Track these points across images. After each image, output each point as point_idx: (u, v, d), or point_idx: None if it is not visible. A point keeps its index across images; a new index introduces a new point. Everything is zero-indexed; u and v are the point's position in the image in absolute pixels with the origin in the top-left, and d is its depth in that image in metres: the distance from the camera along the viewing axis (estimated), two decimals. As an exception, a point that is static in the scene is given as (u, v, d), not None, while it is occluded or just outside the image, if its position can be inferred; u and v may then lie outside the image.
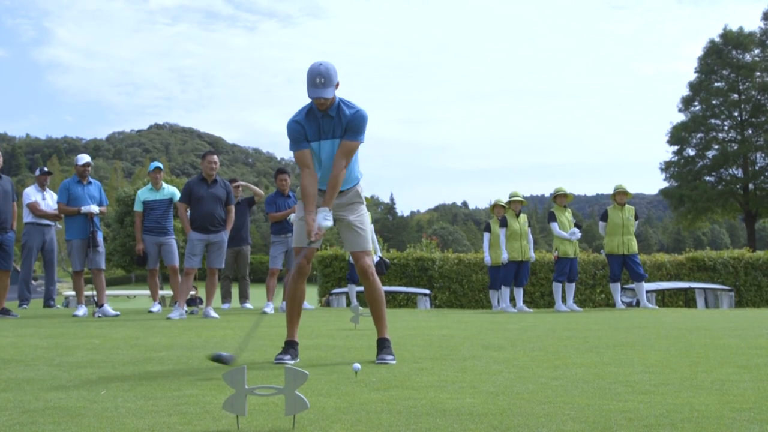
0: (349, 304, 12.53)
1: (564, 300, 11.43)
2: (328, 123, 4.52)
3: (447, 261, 15.37)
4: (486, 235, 11.61)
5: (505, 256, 11.15)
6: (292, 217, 9.97)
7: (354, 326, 6.89)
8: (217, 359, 3.74)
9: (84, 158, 9.68)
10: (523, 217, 11.58)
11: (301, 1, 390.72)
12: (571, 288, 11.39)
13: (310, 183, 4.48)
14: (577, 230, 11.23)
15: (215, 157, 9.30)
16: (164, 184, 10.15)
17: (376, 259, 10.63)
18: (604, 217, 11.60)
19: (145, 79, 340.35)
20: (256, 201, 11.84)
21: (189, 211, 9.06)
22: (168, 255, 9.93)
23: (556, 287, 11.25)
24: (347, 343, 5.58)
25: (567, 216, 11.43)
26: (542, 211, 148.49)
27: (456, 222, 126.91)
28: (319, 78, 4.36)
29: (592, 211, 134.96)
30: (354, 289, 11.98)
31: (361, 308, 7.09)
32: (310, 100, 4.50)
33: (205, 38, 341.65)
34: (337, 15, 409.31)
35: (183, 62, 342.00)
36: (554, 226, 11.29)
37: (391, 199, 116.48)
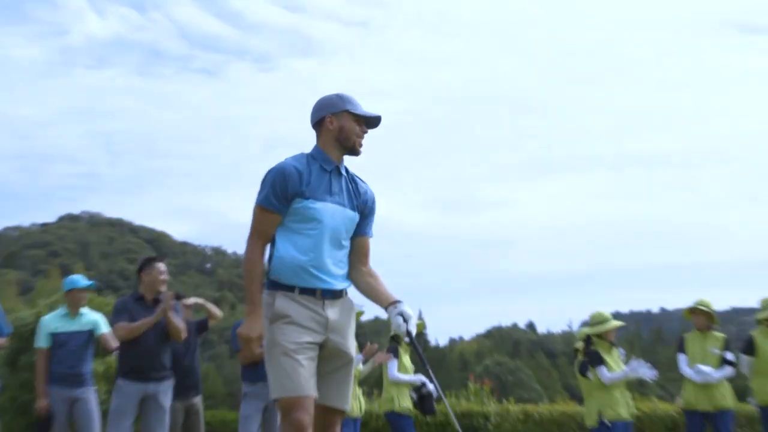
0: None
1: None
2: (337, 183, 3.76)
3: (507, 416, 12.08)
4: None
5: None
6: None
7: None
8: None
9: None
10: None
11: (285, 33, 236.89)
12: None
13: (262, 261, 3.69)
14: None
15: (163, 265, 7.20)
16: (84, 308, 7.64)
17: (429, 386, 8.14)
18: (750, 347, 8.00)
19: (55, 148, 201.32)
20: (210, 325, 8.93)
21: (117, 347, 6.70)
22: (83, 417, 7.26)
23: None
24: None
25: (705, 343, 7.97)
26: (647, 333, 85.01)
27: (518, 354, 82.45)
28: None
29: (728, 336, 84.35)
30: None
31: None
32: (302, 153, 3.78)
33: (145, 88, 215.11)
34: (335, 52, 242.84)
35: (112, 124, 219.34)
36: (682, 359, 7.84)
37: (420, 320, 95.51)
